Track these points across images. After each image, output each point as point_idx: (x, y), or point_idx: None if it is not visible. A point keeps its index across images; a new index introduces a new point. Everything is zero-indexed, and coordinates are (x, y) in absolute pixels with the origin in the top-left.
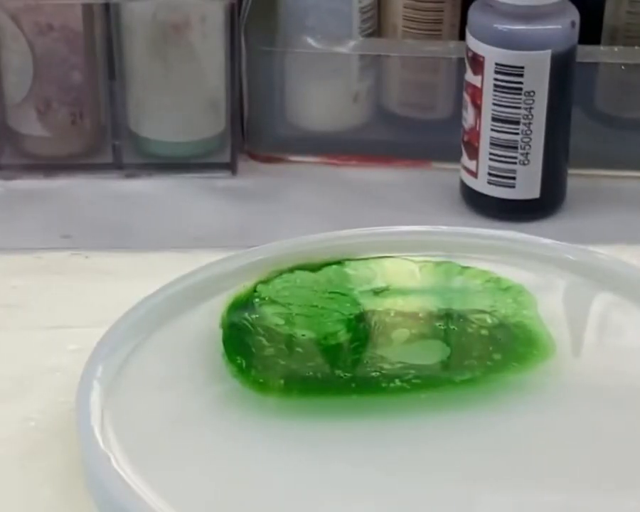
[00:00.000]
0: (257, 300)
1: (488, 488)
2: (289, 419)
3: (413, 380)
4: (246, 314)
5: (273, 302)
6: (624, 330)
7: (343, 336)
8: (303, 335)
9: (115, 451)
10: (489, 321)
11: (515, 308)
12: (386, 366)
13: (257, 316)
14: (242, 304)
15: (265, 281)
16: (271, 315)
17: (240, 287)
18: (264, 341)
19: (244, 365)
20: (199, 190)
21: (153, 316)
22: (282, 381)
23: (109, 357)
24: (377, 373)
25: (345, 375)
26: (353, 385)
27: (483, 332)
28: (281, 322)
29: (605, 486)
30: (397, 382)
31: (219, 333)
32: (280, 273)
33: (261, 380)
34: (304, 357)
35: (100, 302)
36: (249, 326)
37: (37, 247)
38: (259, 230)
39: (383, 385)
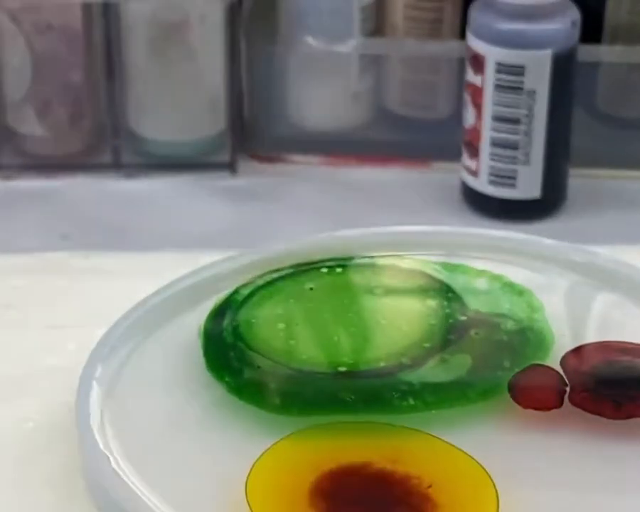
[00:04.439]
0: (229, 308)
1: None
2: (289, 420)
3: (428, 399)
4: (218, 324)
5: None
6: (626, 330)
7: (346, 345)
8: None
9: (114, 451)
10: (509, 326)
11: (529, 312)
12: (402, 387)
13: (224, 325)
14: (218, 311)
15: (248, 284)
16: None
17: (232, 290)
18: (239, 354)
19: (232, 384)
20: (199, 190)
21: (152, 316)
22: (278, 401)
23: (108, 357)
24: (392, 395)
25: (350, 398)
26: (360, 405)
27: (505, 338)
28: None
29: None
30: (411, 401)
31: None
32: (266, 273)
33: (257, 398)
34: (301, 371)
35: (100, 302)
36: (219, 338)
37: (37, 247)
38: (259, 229)
39: (395, 403)
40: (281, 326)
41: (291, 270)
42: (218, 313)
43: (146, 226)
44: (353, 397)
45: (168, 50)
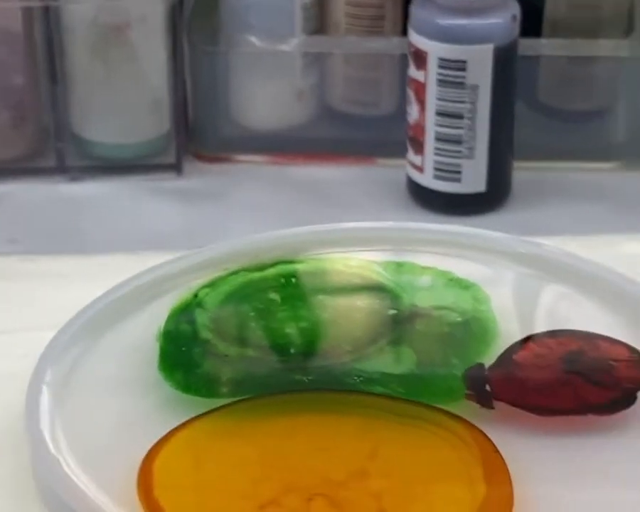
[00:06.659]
0: (197, 308)
1: None
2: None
3: (398, 389)
4: (185, 323)
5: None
6: (573, 321)
7: (298, 341)
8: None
9: (65, 454)
10: (451, 318)
11: (474, 305)
12: (363, 374)
13: (197, 324)
14: (182, 311)
15: (210, 286)
16: (212, 321)
17: (185, 289)
18: (207, 350)
19: (182, 381)
20: (145, 192)
21: (102, 319)
22: (226, 389)
23: (57, 360)
24: (355, 380)
25: (307, 379)
26: (319, 387)
27: (447, 330)
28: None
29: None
30: (378, 388)
31: (156, 345)
32: (225, 277)
33: (203, 391)
34: (253, 365)
35: (48, 306)
36: (188, 337)
37: None
38: (206, 230)
39: (361, 388)
40: (244, 322)
41: (250, 275)
42: (182, 312)
43: (93, 229)
44: (309, 378)
45: (110, 52)
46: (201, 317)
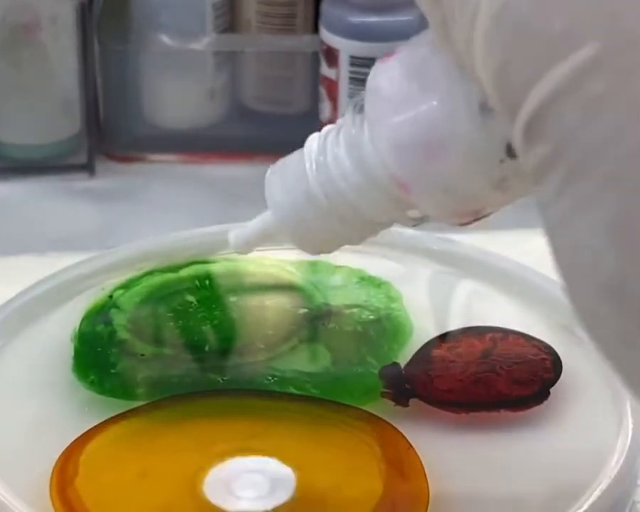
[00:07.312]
0: (113, 309)
1: None
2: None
3: (312, 390)
4: (101, 324)
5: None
6: (487, 317)
7: (213, 340)
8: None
9: None
10: (364, 316)
11: (386, 303)
12: (278, 374)
13: (114, 324)
14: (98, 312)
15: (124, 287)
16: (130, 322)
17: (98, 290)
18: (124, 350)
19: (96, 381)
20: (57, 193)
21: (13, 321)
22: (141, 390)
23: None
24: (269, 380)
25: (222, 379)
26: (234, 386)
27: (359, 328)
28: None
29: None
30: (292, 389)
31: (71, 347)
32: (140, 277)
33: (119, 392)
34: (168, 365)
35: None
36: (104, 337)
37: None
38: (120, 230)
39: (274, 388)
40: (161, 323)
41: (165, 275)
42: (98, 313)
43: (3, 230)
44: (224, 378)
45: (19, 52)
46: (118, 318)
